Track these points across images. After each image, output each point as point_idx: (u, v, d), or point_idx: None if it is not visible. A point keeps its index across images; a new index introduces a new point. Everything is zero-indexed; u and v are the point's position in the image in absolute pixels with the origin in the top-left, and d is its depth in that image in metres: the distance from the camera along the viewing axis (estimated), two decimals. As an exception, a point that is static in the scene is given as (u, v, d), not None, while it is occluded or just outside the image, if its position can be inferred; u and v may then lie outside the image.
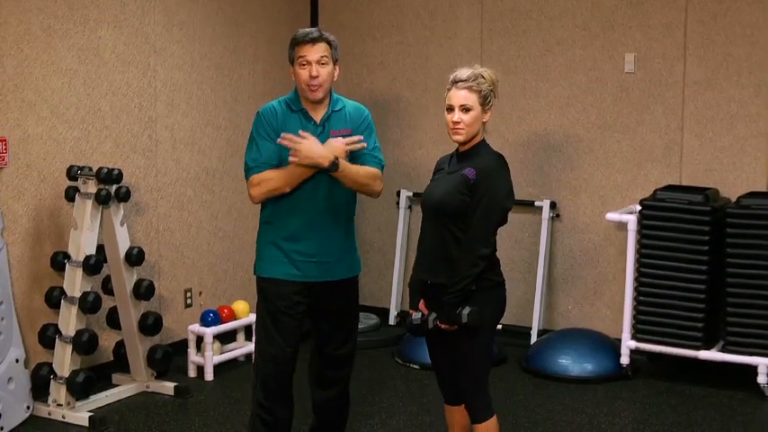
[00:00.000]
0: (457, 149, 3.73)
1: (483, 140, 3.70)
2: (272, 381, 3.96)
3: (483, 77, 3.63)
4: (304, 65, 3.86)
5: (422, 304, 3.74)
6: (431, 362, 3.93)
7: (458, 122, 3.61)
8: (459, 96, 3.61)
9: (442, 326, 3.60)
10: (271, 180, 3.83)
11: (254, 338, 4.13)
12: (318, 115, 3.94)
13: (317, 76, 3.84)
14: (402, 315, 6.81)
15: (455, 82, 3.64)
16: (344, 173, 3.80)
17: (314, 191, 3.89)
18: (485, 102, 3.63)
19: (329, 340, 4.09)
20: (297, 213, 3.90)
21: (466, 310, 3.53)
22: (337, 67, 3.96)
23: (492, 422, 3.68)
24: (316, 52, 3.85)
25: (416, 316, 3.69)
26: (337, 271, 3.99)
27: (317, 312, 4.04)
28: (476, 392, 3.67)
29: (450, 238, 3.60)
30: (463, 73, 3.64)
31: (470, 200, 3.55)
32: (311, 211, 3.89)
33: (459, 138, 3.64)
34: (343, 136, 3.90)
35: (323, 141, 3.87)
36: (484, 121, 3.66)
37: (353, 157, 3.91)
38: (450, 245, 3.60)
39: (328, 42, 3.90)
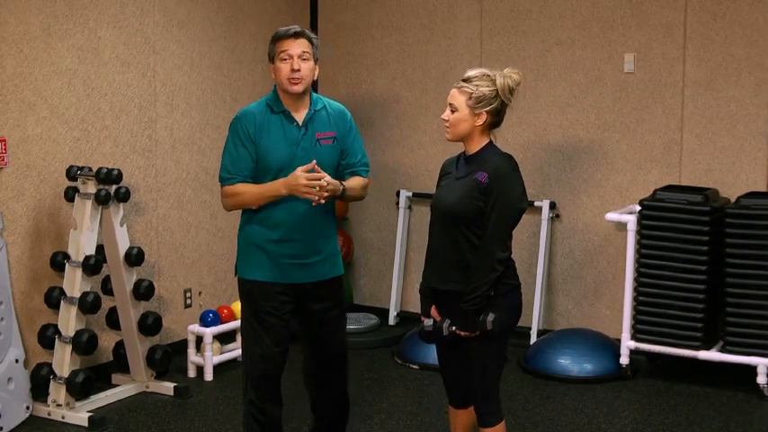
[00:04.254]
0: (464, 152, 3.66)
1: (490, 143, 3.62)
2: (263, 381, 3.95)
3: (486, 81, 3.54)
4: (285, 59, 3.85)
5: (434, 310, 3.68)
6: (439, 365, 3.86)
7: (445, 120, 3.60)
8: (451, 94, 3.58)
9: (462, 333, 3.52)
10: (242, 195, 3.89)
11: (240, 339, 4.11)
12: (300, 116, 3.91)
13: (298, 70, 3.83)
14: (400, 315, 6.83)
15: (460, 80, 3.61)
16: (350, 195, 3.96)
17: None
18: (476, 104, 3.53)
19: (316, 341, 4.08)
20: (281, 215, 3.88)
21: (490, 317, 3.46)
22: (317, 66, 3.95)
23: (501, 426, 3.65)
24: (297, 47, 3.86)
25: (428, 323, 3.63)
26: (322, 271, 3.98)
27: (303, 313, 4.03)
28: (487, 397, 3.64)
29: (465, 243, 3.54)
30: (468, 72, 3.59)
31: (484, 204, 3.49)
32: (295, 211, 3.87)
33: (447, 136, 3.61)
34: (328, 138, 3.93)
35: (307, 143, 3.89)
36: (476, 124, 3.55)
37: (345, 165, 3.98)
38: (465, 250, 3.54)
39: (309, 40, 3.91)
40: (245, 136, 3.87)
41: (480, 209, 3.50)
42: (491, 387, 3.65)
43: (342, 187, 3.85)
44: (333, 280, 4.04)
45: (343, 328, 4.17)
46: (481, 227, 3.51)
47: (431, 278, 3.69)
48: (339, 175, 3.95)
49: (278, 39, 3.89)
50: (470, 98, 3.53)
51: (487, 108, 3.54)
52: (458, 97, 3.55)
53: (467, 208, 3.52)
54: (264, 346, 3.92)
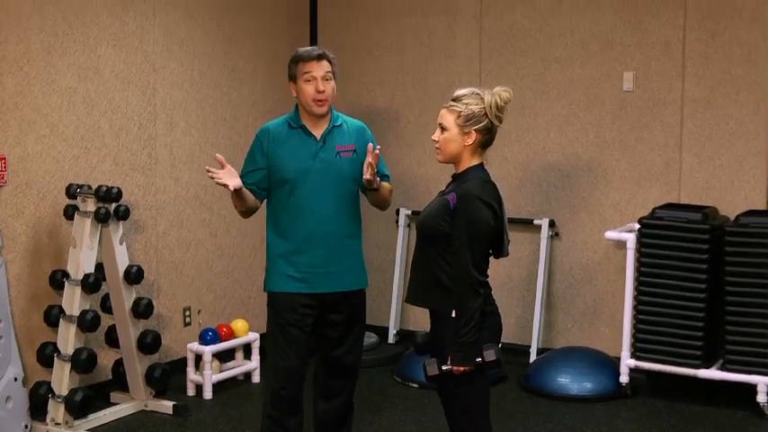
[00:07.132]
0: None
1: (478, 165, 3.51)
2: (282, 393, 4.02)
3: (476, 99, 3.45)
4: (310, 80, 3.98)
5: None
6: (441, 400, 3.65)
7: (435, 141, 3.53)
8: (440, 114, 3.52)
9: (461, 369, 3.35)
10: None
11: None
12: (319, 131, 4.04)
13: (323, 91, 3.97)
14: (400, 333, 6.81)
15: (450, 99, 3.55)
16: (383, 192, 4.06)
17: (321, 200, 3.99)
18: (465, 123, 3.44)
19: (337, 345, 4.14)
20: (303, 223, 3.99)
21: (490, 349, 3.34)
22: (336, 84, 4.08)
23: None
24: (321, 68, 3.99)
25: (420, 335, 3.57)
26: (346, 281, 4.08)
27: (325, 322, 4.09)
28: None
29: (428, 261, 3.47)
30: (458, 91, 3.52)
31: (448, 226, 3.40)
32: (318, 220, 3.98)
33: (438, 157, 3.55)
34: (348, 151, 4.05)
35: (324, 156, 4.01)
36: (466, 144, 3.46)
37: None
38: (431, 267, 3.46)
39: (329, 60, 4.04)
40: (258, 150, 4.07)
41: (442, 229, 3.41)
42: (481, 423, 3.50)
43: (378, 178, 3.95)
44: (356, 292, 4.14)
45: (361, 343, 4.27)
46: (446, 249, 3.42)
47: (407, 290, 3.66)
48: (362, 187, 4.08)
49: (301, 60, 4.02)
50: (459, 117, 3.45)
51: (476, 127, 3.45)
52: (447, 117, 3.49)
53: (430, 226, 3.46)
54: (287, 359, 4.00)
